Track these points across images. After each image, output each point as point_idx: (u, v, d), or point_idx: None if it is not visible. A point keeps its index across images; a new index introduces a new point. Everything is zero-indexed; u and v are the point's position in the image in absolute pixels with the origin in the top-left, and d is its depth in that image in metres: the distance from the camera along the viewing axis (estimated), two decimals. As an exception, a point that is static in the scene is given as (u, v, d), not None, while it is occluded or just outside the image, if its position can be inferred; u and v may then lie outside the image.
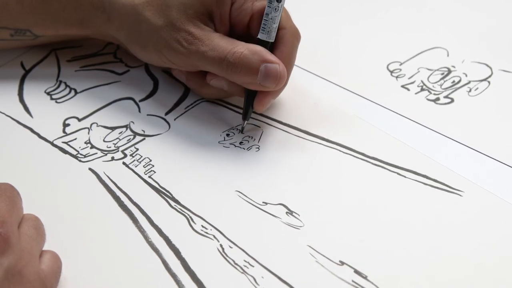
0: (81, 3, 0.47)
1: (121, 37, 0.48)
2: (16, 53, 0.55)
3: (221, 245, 0.38)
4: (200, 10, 0.44)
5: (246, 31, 0.45)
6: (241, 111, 0.48)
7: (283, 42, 0.44)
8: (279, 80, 0.42)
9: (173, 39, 0.43)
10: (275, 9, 0.42)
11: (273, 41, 0.43)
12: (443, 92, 0.50)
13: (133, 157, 0.45)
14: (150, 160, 0.44)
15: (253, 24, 0.45)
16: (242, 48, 0.42)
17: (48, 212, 0.39)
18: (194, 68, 0.45)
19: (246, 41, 0.44)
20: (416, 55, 0.55)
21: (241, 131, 0.46)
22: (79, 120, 0.48)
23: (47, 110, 0.49)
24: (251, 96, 0.45)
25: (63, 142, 0.46)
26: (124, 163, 0.44)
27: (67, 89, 0.51)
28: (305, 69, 0.53)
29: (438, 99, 0.49)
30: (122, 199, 0.42)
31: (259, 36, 0.43)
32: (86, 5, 0.47)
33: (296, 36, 0.45)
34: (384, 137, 0.46)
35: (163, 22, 0.44)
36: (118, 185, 0.43)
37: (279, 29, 0.44)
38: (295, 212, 0.40)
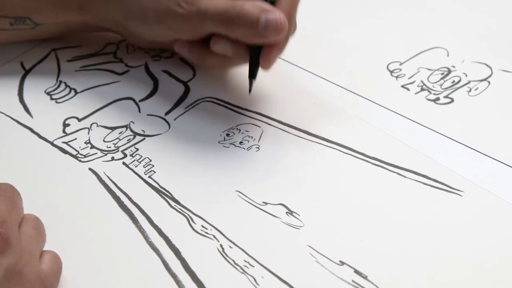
0: None
1: (119, 15, 0.48)
2: (16, 53, 0.55)
3: (221, 245, 0.38)
4: None
5: None
6: (241, 110, 0.48)
7: (282, 0, 0.43)
8: (280, 29, 0.42)
9: (172, 2, 0.43)
10: None
11: None
12: (443, 92, 0.50)
13: (133, 157, 0.45)
14: (150, 160, 0.44)
15: None
16: (242, 1, 0.42)
17: (48, 212, 0.39)
18: (196, 33, 0.45)
19: None
20: (416, 55, 0.55)
21: (249, 91, 0.45)
22: (79, 120, 0.48)
23: (47, 110, 0.49)
24: (256, 54, 0.44)
25: (63, 142, 0.46)
26: (124, 163, 0.44)
27: (67, 89, 0.51)
28: (305, 69, 0.53)
29: (438, 99, 0.49)
30: (122, 199, 0.42)
31: None
32: None
33: None
34: (384, 137, 0.46)
35: None
36: (118, 185, 0.43)
37: None
38: (295, 212, 0.40)
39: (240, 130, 0.47)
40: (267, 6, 0.42)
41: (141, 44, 0.51)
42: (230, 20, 0.42)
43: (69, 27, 0.52)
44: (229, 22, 0.42)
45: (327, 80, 0.52)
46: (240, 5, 0.42)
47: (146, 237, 0.39)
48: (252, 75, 0.45)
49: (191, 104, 0.49)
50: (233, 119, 0.48)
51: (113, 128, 0.47)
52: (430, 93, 0.50)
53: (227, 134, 0.46)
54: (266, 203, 0.41)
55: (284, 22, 0.42)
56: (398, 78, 0.52)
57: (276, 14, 0.42)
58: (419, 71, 0.53)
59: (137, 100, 0.50)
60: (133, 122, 0.48)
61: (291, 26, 0.45)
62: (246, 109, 0.48)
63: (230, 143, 0.46)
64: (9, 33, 0.51)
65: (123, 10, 0.47)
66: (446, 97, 0.50)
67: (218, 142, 0.46)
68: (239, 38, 0.43)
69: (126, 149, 0.46)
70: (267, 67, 0.44)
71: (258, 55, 0.44)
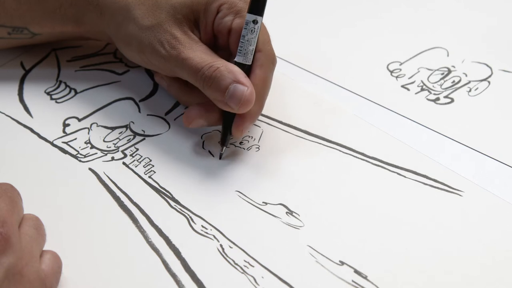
0: None
1: (110, 32, 0.48)
2: (16, 53, 0.55)
3: (221, 245, 0.38)
4: (189, 16, 0.44)
5: (227, 45, 0.45)
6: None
7: (258, 66, 0.43)
8: (244, 103, 0.41)
9: (156, 40, 0.44)
10: (251, 30, 0.42)
11: (249, 63, 0.42)
12: (443, 92, 0.50)
13: (133, 157, 0.45)
14: (150, 160, 0.44)
15: (232, 41, 0.44)
16: (220, 64, 0.42)
17: (48, 212, 0.39)
18: (173, 74, 0.45)
19: (228, 57, 0.44)
20: (416, 55, 0.55)
21: (220, 157, 0.44)
22: (79, 120, 0.48)
23: (47, 110, 0.49)
24: (228, 122, 0.43)
25: (63, 142, 0.46)
26: (124, 163, 0.44)
27: (67, 89, 0.51)
28: (305, 69, 0.53)
29: (438, 99, 0.49)
30: (122, 199, 0.42)
31: (236, 59, 0.42)
32: (82, 0, 0.48)
33: (272, 60, 0.44)
34: (384, 137, 0.46)
35: (151, 23, 0.44)
36: (118, 185, 0.43)
37: (255, 51, 0.43)
38: (295, 212, 0.40)
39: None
40: (240, 76, 0.41)
41: (128, 59, 0.51)
42: (204, 79, 0.42)
43: (67, 37, 0.52)
44: (202, 81, 0.42)
45: (327, 80, 0.52)
46: (215, 67, 0.41)
47: (146, 237, 0.39)
48: (224, 142, 0.44)
49: (191, 104, 0.49)
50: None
51: (113, 128, 0.47)
52: (430, 93, 0.50)
53: (227, 134, 0.46)
54: (266, 203, 0.41)
55: (250, 96, 0.41)
56: (398, 78, 0.52)
57: (244, 88, 0.41)
58: (419, 71, 0.53)
59: (137, 100, 0.50)
60: (133, 122, 0.48)
61: (266, 95, 0.44)
62: (246, 109, 0.48)
63: (230, 143, 0.46)
64: (8, 41, 0.52)
65: (113, 28, 0.47)
66: (446, 97, 0.50)
67: (218, 142, 0.46)
68: (208, 97, 0.43)
69: (126, 149, 0.46)
70: (237, 136, 0.43)
71: (230, 123, 0.43)
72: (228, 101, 0.41)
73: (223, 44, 0.45)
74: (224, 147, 0.44)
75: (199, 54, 0.43)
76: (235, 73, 0.41)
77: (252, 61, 0.43)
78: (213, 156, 0.45)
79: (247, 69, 0.43)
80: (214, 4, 0.44)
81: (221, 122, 0.44)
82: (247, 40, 0.42)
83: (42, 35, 0.51)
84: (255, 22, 0.42)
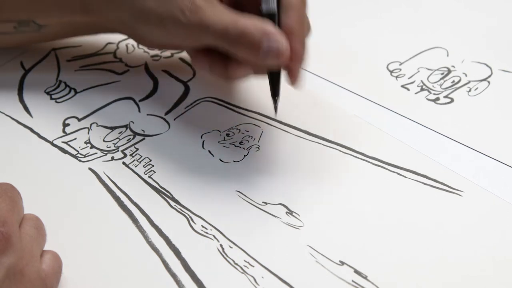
0: None
1: (124, 15, 0.46)
2: (16, 53, 0.55)
3: (221, 245, 0.38)
4: None
5: (251, 3, 0.43)
6: (241, 110, 0.48)
7: (289, 8, 0.41)
8: (282, 55, 0.39)
9: (176, 8, 0.42)
10: None
11: (275, 12, 0.40)
12: (443, 92, 0.50)
13: (133, 157, 0.45)
14: (150, 160, 0.44)
15: None
16: (245, 20, 0.40)
17: (48, 212, 0.39)
18: (197, 43, 0.43)
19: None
20: (416, 55, 0.55)
21: (275, 110, 0.43)
22: (79, 120, 0.48)
23: (47, 110, 0.49)
24: (274, 72, 0.42)
25: (63, 142, 0.46)
26: (124, 163, 0.44)
27: (67, 89, 0.51)
28: (305, 69, 0.53)
29: (438, 99, 0.50)
30: (122, 199, 0.42)
31: (261, 7, 0.40)
32: None
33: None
34: (384, 137, 0.46)
35: None
36: (118, 185, 0.43)
37: None
38: (295, 212, 0.40)
39: (240, 130, 0.47)
40: (269, 28, 0.39)
41: (147, 45, 0.50)
42: (232, 39, 0.40)
43: (75, 28, 0.51)
44: (231, 41, 0.40)
45: (327, 80, 0.52)
46: (242, 24, 0.40)
47: (146, 237, 0.39)
48: (277, 93, 0.42)
49: (191, 104, 0.49)
50: (233, 119, 0.48)
51: (113, 128, 0.47)
52: (430, 93, 0.50)
53: (227, 134, 0.46)
54: (266, 203, 0.41)
55: (286, 47, 0.39)
56: (398, 78, 0.52)
57: (277, 40, 0.39)
58: (419, 71, 0.53)
59: (137, 100, 0.50)
60: (133, 122, 0.48)
61: (306, 35, 0.42)
62: (246, 109, 0.49)
63: (230, 143, 0.46)
64: (14, 36, 0.51)
65: (127, 10, 0.45)
66: (446, 97, 0.50)
67: (218, 142, 0.46)
68: (243, 58, 0.41)
69: (126, 149, 0.46)
70: (294, 82, 0.42)
71: (278, 72, 0.42)
72: (264, 58, 0.39)
73: (246, 4, 0.43)
74: (278, 98, 0.42)
75: (221, 14, 0.41)
76: (263, 26, 0.39)
77: (281, 6, 0.41)
78: (213, 156, 0.45)
79: (276, 18, 0.41)
80: None
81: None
82: None
83: (49, 27, 0.50)
84: None
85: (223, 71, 0.44)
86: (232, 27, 0.40)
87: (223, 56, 0.43)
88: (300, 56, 0.41)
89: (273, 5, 0.40)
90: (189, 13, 0.41)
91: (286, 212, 0.40)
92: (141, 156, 0.45)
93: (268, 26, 0.39)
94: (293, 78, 0.41)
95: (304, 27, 0.42)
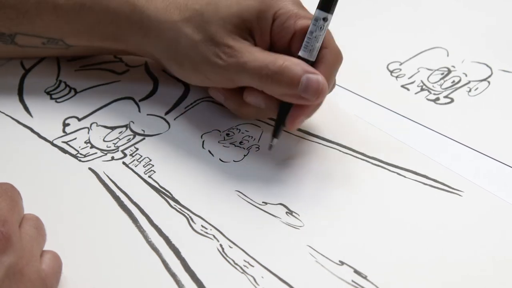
0: (118, 17, 0.46)
1: (158, 53, 0.47)
2: (16, 53, 0.55)
3: (221, 245, 0.38)
4: (240, 25, 0.43)
5: (287, 49, 0.44)
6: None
7: (324, 62, 0.42)
8: (321, 93, 0.41)
9: (212, 53, 0.43)
10: (320, 27, 0.41)
11: (313, 60, 0.42)
12: (443, 92, 0.50)
13: (133, 156, 0.45)
14: (150, 160, 0.44)
15: (293, 42, 0.43)
16: (284, 59, 0.41)
17: (48, 212, 0.39)
18: (232, 84, 0.44)
19: None
20: (416, 55, 0.55)
21: (269, 148, 0.44)
22: (79, 119, 0.48)
23: (47, 109, 0.49)
24: (284, 113, 0.43)
25: (63, 142, 0.46)
26: (124, 163, 0.44)
27: (67, 89, 0.51)
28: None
29: (438, 99, 0.50)
30: (122, 199, 0.42)
31: (300, 54, 0.42)
32: (123, 19, 0.46)
33: (337, 57, 0.43)
34: (384, 137, 0.46)
35: (202, 37, 0.43)
36: (118, 185, 0.43)
37: (320, 48, 0.42)
38: (295, 212, 0.40)
39: (240, 130, 0.47)
40: (308, 67, 0.41)
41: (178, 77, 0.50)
42: (269, 76, 0.41)
43: (103, 49, 0.51)
44: (268, 78, 0.41)
45: (327, 80, 0.52)
46: (282, 61, 0.41)
47: (146, 237, 0.39)
48: (276, 134, 0.43)
49: (191, 104, 0.49)
50: (233, 119, 0.48)
51: (113, 128, 0.47)
52: (430, 93, 0.50)
53: (227, 134, 0.46)
54: (266, 203, 0.41)
55: (324, 85, 0.41)
56: (398, 78, 0.52)
57: (318, 77, 0.41)
58: (419, 71, 0.53)
59: (137, 100, 0.50)
60: (133, 122, 0.48)
61: (329, 88, 0.44)
62: (246, 109, 0.48)
63: (230, 143, 0.46)
64: (41, 50, 0.51)
65: (161, 49, 0.46)
66: (446, 97, 0.50)
67: (218, 142, 0.46)
68: (274, 94, 0.42)
69: (126, 148, 0.46)
70: (291, 128, 0.43)
71: (286, 113, 0.42)
72: (303, 93, 0.40)
73: (280, 49, 0.44)
74: (275, 139, 0.43)
75: (258, 55, 0.42)
76: (304, 64, 0.41)
77: (317, 58, 0.42)
78: (213, 155, 0.45)
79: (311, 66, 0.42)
80: (268, 13, 0.43)
81: (276, 111, 0.43)
82: (315, 37, 0.41)
83: (77, 47, 0.50)
84: (325, 19, 0.41)
85: (236, 108, 0.46)
86: (271, 64, 0.41)
87: (240, 95, 0.44)
88: (312, 109, 0.43)
89: (314, 53, 0.42)
90: (225, 56, 0.42)
91: (286, 212, 0.40)
92: (141, 156, 0.45)
93: (306, 65, 0.41)
94: (294, 125, 0.42)
95: (330, 85, 0.43)
